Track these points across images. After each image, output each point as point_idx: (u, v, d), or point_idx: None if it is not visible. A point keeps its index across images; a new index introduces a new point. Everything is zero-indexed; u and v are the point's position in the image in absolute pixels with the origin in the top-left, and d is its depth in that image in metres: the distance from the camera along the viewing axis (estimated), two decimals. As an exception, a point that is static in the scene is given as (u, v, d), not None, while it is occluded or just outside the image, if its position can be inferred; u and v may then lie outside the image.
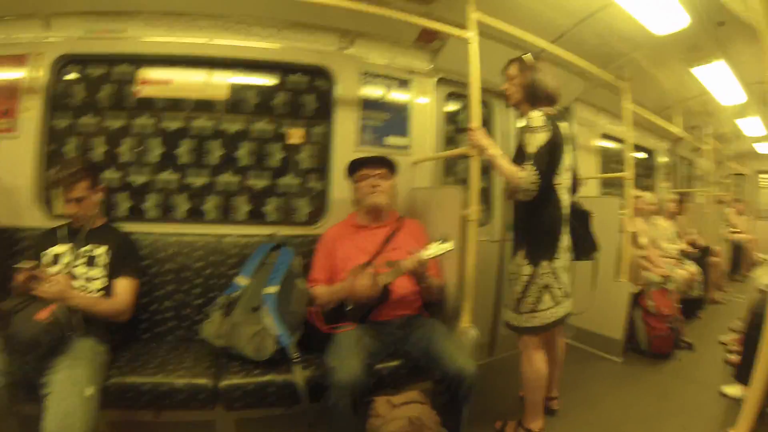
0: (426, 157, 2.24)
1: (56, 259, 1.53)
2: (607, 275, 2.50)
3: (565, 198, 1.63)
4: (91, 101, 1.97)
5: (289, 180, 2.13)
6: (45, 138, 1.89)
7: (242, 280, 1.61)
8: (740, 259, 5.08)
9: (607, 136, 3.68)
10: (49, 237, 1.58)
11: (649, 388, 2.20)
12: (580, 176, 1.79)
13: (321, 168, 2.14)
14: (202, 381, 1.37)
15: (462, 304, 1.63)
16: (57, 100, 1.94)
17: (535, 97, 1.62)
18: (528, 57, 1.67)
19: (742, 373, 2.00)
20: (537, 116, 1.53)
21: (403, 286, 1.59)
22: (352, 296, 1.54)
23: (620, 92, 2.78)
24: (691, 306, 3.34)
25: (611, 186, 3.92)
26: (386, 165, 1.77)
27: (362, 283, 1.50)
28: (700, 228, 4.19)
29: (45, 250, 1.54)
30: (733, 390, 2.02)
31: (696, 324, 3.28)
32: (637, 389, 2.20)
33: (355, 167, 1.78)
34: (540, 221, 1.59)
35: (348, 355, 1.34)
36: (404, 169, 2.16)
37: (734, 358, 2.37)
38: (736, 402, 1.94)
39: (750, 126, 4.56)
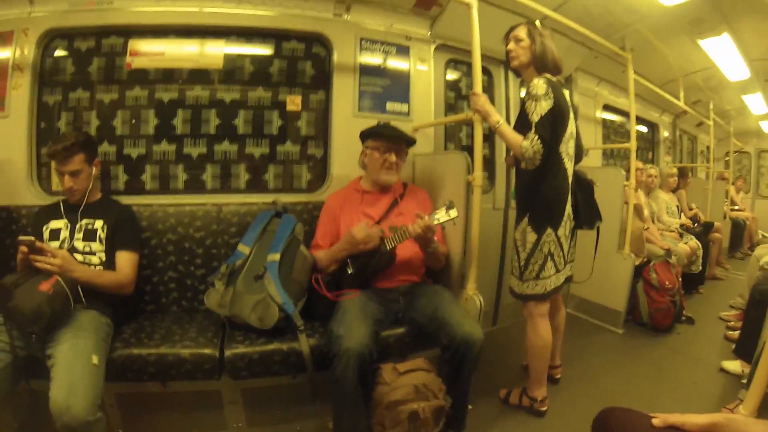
0: (427, 123, 2.21)
1: (54, 234, 1.50)
2: (610, 247, 2.50)
3: (569, 166, 1.62)
4: (81, 75, 1.92)
5: (288, 147, 2.10)
6: (36, 115, 1.85)
7: (244, 249, 1.59)
8: (740, 236, 5.10)
9: (608, 107, 3.64)
10: (47, 213, 1.56)
11: (648, 361, 2.22)
12: (582, 145, 1.78)
13: (320, 135, 2.12)
14: (207, 351, 1.37)
15: (467, 271, 1.62)
16: (46, 76, 1.89)
17: (543, 63, 1.59)
18: (538, 23, 1.64)
19: (742, 349, 2.03)
20: (540, 84, 1.51)
21: (407, 251, 1.58)
22: (353, 248, 1.51)
23: (623, 63, 2.74)
24: (692, 281, 3.37)
25: (611, 157, 3.90)
26: (406, 142, 1.72)
27: (361, 232, 1.47)
28: (701, 204, 4.19)
29: (43, 226, 1.52)
30: (732, 365, 2.04)
31: (696, 299, 3.31)
32: (637, 361, 2.22)
33: (375, 134, 1.70)
34: (545, 189, 1.58)
35: (354, 323, 1.32)
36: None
37: (734, 334, 2.38)
38: (735, 378, 1.97)
39: (755, 103, 4.51)
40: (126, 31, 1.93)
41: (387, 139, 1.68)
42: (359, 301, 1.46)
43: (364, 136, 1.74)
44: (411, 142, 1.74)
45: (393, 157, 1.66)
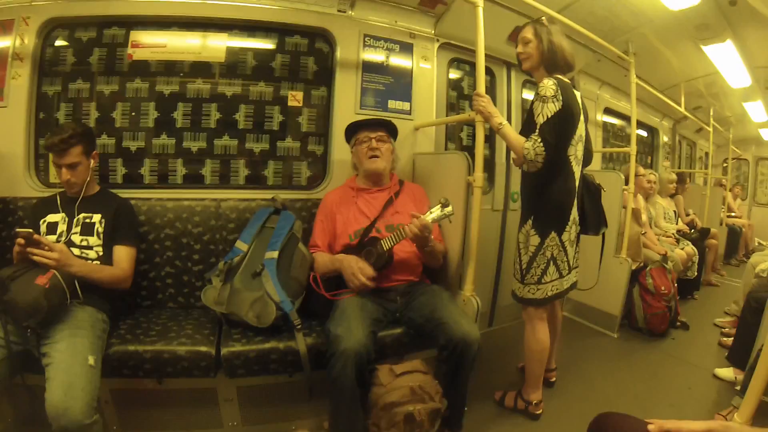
0: (428, 122, 2.20)
1: (52, 228, 1.49)
2: (607, 251, 2.49)
3: (577, 170, 1.59)
4: (81, 66, 1.89)
5: (288, 143, 2.09)
6: (35, 106, 1.83)
7: (242, 245, 1.58)
8: (736, 243, 5.13)
9: (609, 111, 3.64)
10: (44, 206, 1.54)
11: (643, 365, 2.23)
12: (591, 149, 1.75)
13: (321, 132, 2.11)
14: (203, 348, 1.36)
15: (465, 272, 1.62)
16: (46, 66, 1.86)
17: (552, 62, 1.56)
18: (544, 19, 1.60)
19: (735, 355, 2.04)
20: (549, 85, 1.48)
21: (405, 251, 1.57)
22: (343, 271, 1.51)
23: (626, 66, 2.73)
24: (687, 286, 3.38)
25: (609, 161, 3.91)
26: (385, 127, 1.74)
27: (355, 275, 1.47)
28: (698, 209, 4.21)
29: (40, 219, 1.50)
30: (725, 373, 2.05)
31: (691, 304, 3.33)
32: (632, 366, 2.23)
33: (353, 130, 1.75)
34: (551, 192, 1.55)
35: (353, 323, 1.32)
36: (407, 135, 2.13)
37: (728, 340, 2.40)
38: (729, 384, 1.98)
39: (755, 110, 4.52)
40: (128, 22, 1.91)
41: (363, 128, 1.71)
42: (357, 300, 1.45)
43: (347, 136, 1.78)
44: (389, 125, 1.76)
45: (374, 143, 1.67)
